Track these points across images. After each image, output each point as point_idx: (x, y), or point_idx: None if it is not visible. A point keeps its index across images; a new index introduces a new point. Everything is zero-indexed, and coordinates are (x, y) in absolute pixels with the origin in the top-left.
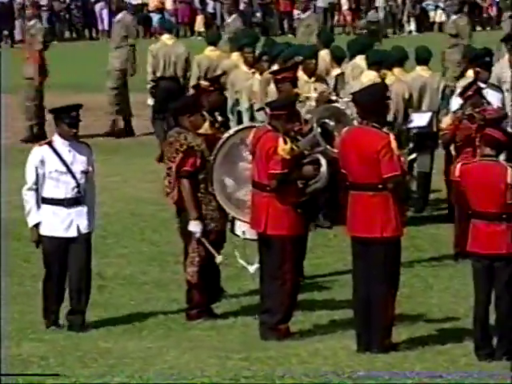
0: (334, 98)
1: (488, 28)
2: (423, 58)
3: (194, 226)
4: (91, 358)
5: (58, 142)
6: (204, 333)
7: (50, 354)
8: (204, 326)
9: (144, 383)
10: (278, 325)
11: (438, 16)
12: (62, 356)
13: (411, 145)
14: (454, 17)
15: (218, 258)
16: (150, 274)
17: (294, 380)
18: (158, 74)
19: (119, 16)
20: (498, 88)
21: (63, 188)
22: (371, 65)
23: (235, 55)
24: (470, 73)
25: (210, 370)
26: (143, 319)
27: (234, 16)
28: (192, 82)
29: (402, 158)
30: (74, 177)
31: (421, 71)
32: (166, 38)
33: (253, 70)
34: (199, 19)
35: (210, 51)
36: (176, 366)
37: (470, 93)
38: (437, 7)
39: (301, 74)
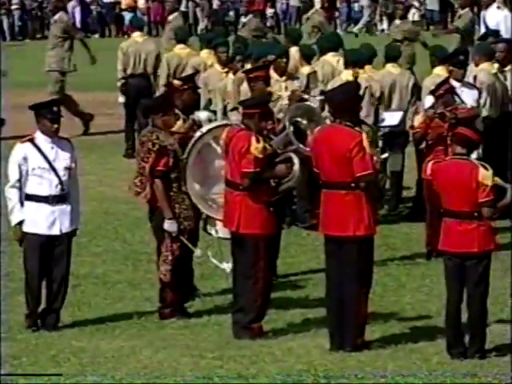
0: (305, 96)
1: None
2: (393, 56)
3: (170, 225)
4: (64, 357)
5: (41, 139)
6: (177, 332)
7: (23, 354)
8: (177, 325)
9: (117, 383)
10: (252, 324)
11: (411, 15)
12: (34, 355)
13: (381, 144)
14: (397, 22)
15: (198, 252)
16: (123, 273)
17: (268, 379)
18: (129, 72)
19: (56, 16)
20: (473, 86)
21: (46, 185)
22: (349, 64)
23: (204, 53)
24: (437, 71)
25: (184, 368)
26: (116, 318)
27: (175, 14)
28: (161, 80)
29: (375, 157)
30: (56, 174)
31: (391, 68)
32: (136, 35)
33: (226, 70)
34: (171, 18)
35: (179, 49)
36: (149, 365)
37: (441, 91)
38: (410, 6)
39: (272, 72)
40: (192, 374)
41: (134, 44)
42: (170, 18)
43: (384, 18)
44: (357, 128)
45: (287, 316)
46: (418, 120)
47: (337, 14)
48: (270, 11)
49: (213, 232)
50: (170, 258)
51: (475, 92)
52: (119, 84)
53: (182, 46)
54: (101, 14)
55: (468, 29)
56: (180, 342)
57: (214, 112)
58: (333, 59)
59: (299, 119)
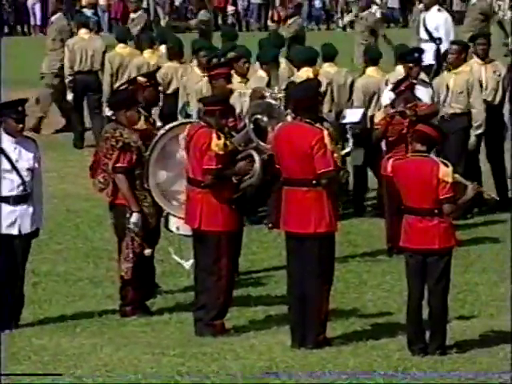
0: (267, 93)
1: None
2: (329, 55)
3: (136, 218)
4: (25, 355)
5: (4, 139)
6: (138, 329)
7: None
8: (138, 323)
9: (77, 382)
10: (214, 321)
11: (373, 12)
12: None
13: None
14: (363, 13)
15: (147, 251)
16: (84, 271)
17: (229, 376)
18: (76, 69)
19: (53, 18)
20: (428, 84)
21: (8, 185)
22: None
23: (147, 53)
24: (399, 68)
25: (145, 366)
26: (77, 316)
27: (57, 15)
28: (105, 79)
29: (336, 154)
30: (19, 174)
31: (327, 68)
32: (82, 32)
33: (205, 74)
34: (132, 15)
35: (120, 48)
36: (110, 363)
37: (401, 88)
38: (371, 3)
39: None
40: (153, 372)
41: (80, 41)
42: (53, 18)
43: (345, 14)
44: (318, 125)
45: (249, 313)
46: (378, 117)
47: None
48: (231, 8)
49: (174, 229)
50: (130, 255)
51: (430, 90)
52: (67, 81)
53: (122, 45)
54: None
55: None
56: (141, 340)
57: (189, 115)
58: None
59: (259, 116)
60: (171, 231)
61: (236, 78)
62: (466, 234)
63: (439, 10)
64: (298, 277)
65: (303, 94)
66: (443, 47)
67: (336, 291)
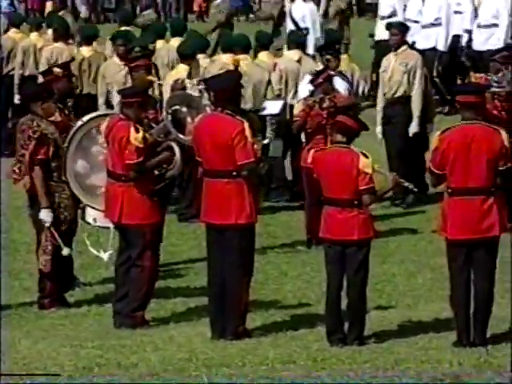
0: (188, 85)
1: None
2: (264, 43)
3: (45, 215)
4: None
5: None
6: (57, 322)
7: None
8: (57, 315)
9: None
10: (134, 312)
11: None
12: None
13: (270, 132)
14: (217, 1)
15: (65, 250)
16: (1, 263)
17: (148, 368)
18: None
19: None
20: (345, 77)
21: None
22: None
23: (33, 35)
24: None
25: (63, 359)
26: None
27: None
28: (16, 67)
29: (256, 145)
30: None
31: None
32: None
33: (124, 62)
34: (48, 5)
35: (13, 33)
36: (28, 356)
37: (320, 80)
38: None
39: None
40: (72, 364)
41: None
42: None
43: None
44: (238, 116)
45: (168, 305)
46: (297, 108)
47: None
48: None
49: (91, 221)
50: (49, 248)
51: (346, 82)
52: None
53: (14, 29)
54: None
55: None
56: (60, 332)
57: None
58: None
59: (178, 108)
60: (88, 223)
61: None
62: (384, 225)
63: (305, 0)
64: (218, 268)
65: (223, 85)
66: (310, 38)
67: (256, 282)
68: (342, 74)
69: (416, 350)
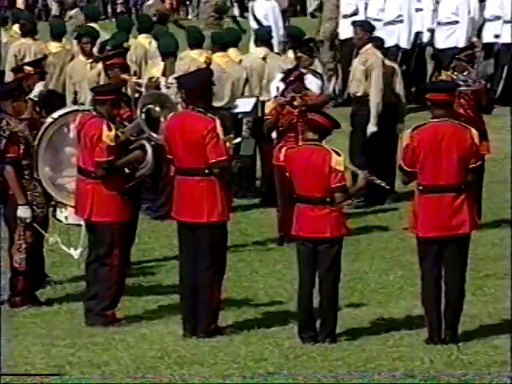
0: (163, 83)
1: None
2: (234, 40)
3: (23, 212)
4: None
5: None
6: (28, 320)
7: None
8: (28, 313)
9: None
10: (105, 311)
11: None
12: None
13: (246, 130)
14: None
15: (51, 239)
16: None
17: (120, 366)
18: None
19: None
20: (319, 75)
21: None
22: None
23: None
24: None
25: (34, 357)
26: None
27: None
28: None
29: (228, 143)
30: None
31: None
32: None
33: (91, 60)
34: (20, 2)
35: None
36: None
37: (292, 78)
38: None
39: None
40: (43, 362)
41: None
42: None
43: (235, 4)
44: (210, 114)
45: (140, 303)
46: (269, 107)
47: None
48: None
49: (62, 218)
50: (23, 246)
51: (319, 81)
52: None
53: None
54: None
55: None
56: (31, 331)
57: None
58: (145, 41)
59: (151, 106)
60: (60, 221)
61: None
62: (355, 223)
63: None
64: (190, 266)
65: (195, 83)
66: (275, 38)
67: (228, 280)
68: (315, 72)
69: (388, 348)
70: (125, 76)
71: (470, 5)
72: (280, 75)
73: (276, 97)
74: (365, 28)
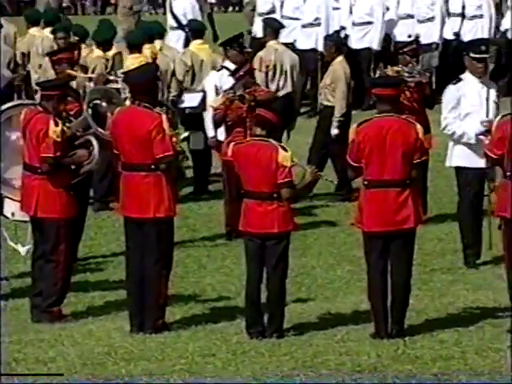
0: (111, 78)
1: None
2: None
3: None
4: None
5: None
6: None
7: None
8: None
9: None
10: (51, 307)
11: None
12: None
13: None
14: None
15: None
16: None
17: (67, 362)
18: None
19: None
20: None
21: None
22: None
23: None
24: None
25: None
26: None
27: None
28: None
29: (174, 138)
30: None
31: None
32: None
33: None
34: None
35: None
36: None
37: (241, 73)
38: None
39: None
40: None
41: None
42: None
43: None
44: (156, 109)
45: (87, 299)
46: (217, 101)
47: None
48: None
49: (9, 215)
50: None
51: (263, 75)
52: None
53: None
54: None
55: None
56: None
57: None
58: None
59: (98, 102)
60: (6, 217)
61: None
62: (302, 218)
63: None
64: (137, 262)
65: (140, 78)
66: None
67: (175, 276)
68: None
69: (335, 342)
70: (71, 71)
71: (384, 6)
72: (214, 73)
73: (225, 91)
74: (336, 43)
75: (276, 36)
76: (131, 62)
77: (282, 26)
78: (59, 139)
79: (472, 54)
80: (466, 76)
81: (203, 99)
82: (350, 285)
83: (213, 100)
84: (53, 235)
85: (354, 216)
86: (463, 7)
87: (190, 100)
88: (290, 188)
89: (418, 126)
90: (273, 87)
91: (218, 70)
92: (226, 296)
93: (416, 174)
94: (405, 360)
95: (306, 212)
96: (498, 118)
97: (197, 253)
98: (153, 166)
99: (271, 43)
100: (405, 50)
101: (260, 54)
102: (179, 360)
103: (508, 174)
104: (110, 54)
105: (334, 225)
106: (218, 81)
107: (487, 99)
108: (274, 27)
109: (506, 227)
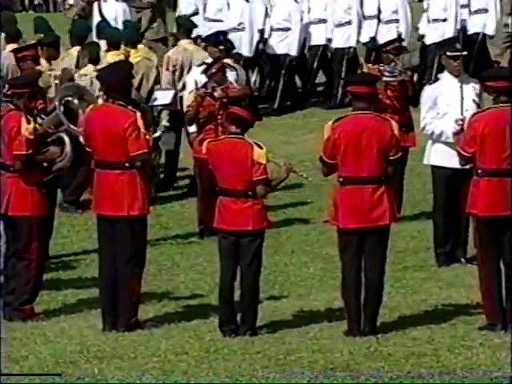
0: (76, 74)
1: None
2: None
3: None
4: None
5: None
6: None
7: None
8: None
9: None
10: (23, 305)
11: None
12: None
13: (164, 123)
14: None
15: None
16: None
17: (39, 360)
18: None
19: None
20: (233, 68)
21: None
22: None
23: None
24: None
25: None
26: None
27: None
28: None
29: (148, 136)
30: None
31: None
32: None
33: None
34: None
35: None
36: None
37: (213, 70)
38: None
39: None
40: None
41: None
42: None
43: None
44: (130, 107)
45: (59, 297)
46: (189, 99)
47: None
48: None
49: None
50: None
51: (234, 73)
52: None
53: None
54: None
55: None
56: None
57: None
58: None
59: (70, 99)
60: None
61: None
62: (275, 216)
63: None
64: (110, 260)
65: (114, 76)
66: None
67: (148, 274)
68: (230, 66)
69: (308, 340)
70: (39, 68)
71: (302, 12)
72: (197, 68)
73: (197, 88)
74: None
75: (188, 35)
76: (112, 58)
77: (195, 26)
78: (32, 136)
79: (448, 53)
80: (444, 75)
81: (175, 96)
82: (323, 282)
83: (185, 97)
84: (25, 233)
85: (328, 213)
86: (379, 11)
87: (163, 97)
88: (266, 185)
89: (393, 123)
90: (179, 87)
91: (199, 66)
92: (199, 294)
93: (391, 171)
94: (377, 357)
95: (278, 209)
96: (469, 116)
97: (170, 251)
98: (127, 164)
99: (182, 42)
100: (388, 48)
101: (168, 53)
102: (152, 358)
103: (479, 171)
104: (73, 50)
105: (306, 222)
106: (198, 76)
107: (462, 98)
108: (185, 26)
109: (476, 224)
